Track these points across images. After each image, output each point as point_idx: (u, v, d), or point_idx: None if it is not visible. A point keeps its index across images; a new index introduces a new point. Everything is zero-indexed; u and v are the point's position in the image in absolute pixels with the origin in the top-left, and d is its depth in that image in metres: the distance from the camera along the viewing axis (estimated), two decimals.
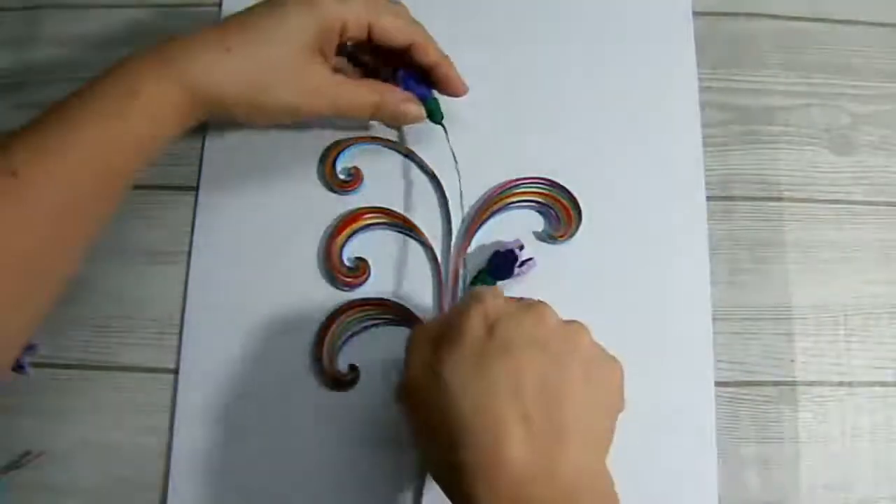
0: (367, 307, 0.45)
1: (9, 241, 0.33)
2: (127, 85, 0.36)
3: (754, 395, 0.45)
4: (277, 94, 0.40)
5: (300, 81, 0.40)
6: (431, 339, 0.34)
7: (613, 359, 0.35)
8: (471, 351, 0.32)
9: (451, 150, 0.45)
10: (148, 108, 0.36)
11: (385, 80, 0.44)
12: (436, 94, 0.45)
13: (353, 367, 0.44)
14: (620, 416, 0.35)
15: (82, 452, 0.44)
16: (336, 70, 0.42)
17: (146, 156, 0.38)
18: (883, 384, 0.45)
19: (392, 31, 0.41)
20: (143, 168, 0.38)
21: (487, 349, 0.32)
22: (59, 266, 0.36)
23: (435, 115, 0.45)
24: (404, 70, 0.44)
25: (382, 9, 0.41)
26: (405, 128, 0.48)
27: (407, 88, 0.44)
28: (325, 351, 0.44)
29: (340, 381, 0.44)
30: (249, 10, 0.40)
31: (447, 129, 0.45)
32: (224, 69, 0.38)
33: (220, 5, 0.51)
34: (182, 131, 0.39)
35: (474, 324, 0.33)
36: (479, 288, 0.36)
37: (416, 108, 0.43)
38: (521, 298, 0.36)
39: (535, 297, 0.41)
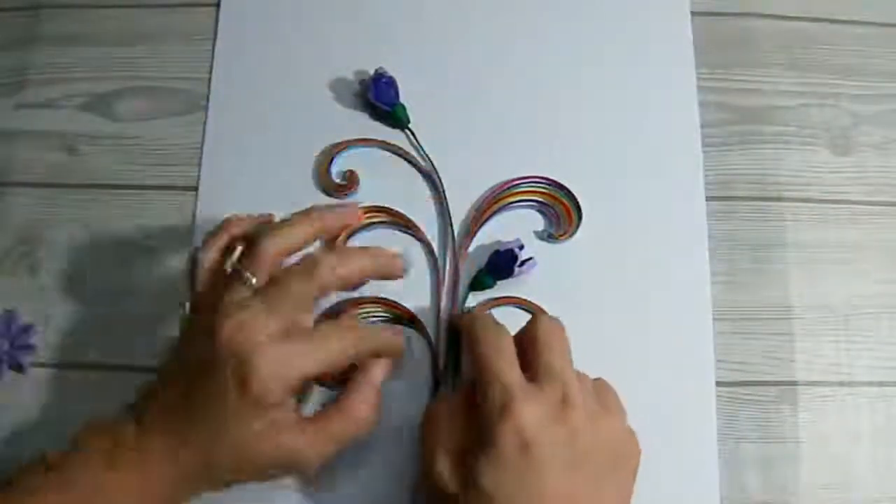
0: (365, 304, 0.45)
1: None
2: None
3: (754, 395, 0.45)
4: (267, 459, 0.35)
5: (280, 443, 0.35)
6: (455, 440, 0.35)
7: (636, 441, 0.36)
8: (509, 467, 0.32)
9: (426, 154, 0.46)
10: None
11: None
12: (402, 100, 0.47)
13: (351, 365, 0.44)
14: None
15: None
16: None
17: None
18: (883, 384, 0.45)
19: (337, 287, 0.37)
20: None
21: (526, 468, 0.32)
22: None
23: (402, 121, 0.46)
24: (376, 78, 0.46)
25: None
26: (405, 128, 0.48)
27: (378, 96, 0.46)
28: None
29: (336, 377, 0.43)
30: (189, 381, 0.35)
31: (415, 133, 0.47)
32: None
33: (217, 5, 0.50)
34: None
35: (509, 440, 0.32)
36: (507, 382, 0.34)
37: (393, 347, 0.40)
38: (542, 371, 0.35)
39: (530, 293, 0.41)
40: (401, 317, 0.45)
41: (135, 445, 0.34)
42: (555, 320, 0.38)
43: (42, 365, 0.45)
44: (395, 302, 0.45)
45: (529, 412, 0.33)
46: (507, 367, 0.35)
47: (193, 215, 0.47)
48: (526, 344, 0.36)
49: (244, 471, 0.35)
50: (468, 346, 0.37)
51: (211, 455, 0.34)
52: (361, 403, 0.37)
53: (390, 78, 0.47)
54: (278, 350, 0.34)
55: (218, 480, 0.36)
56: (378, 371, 0.38)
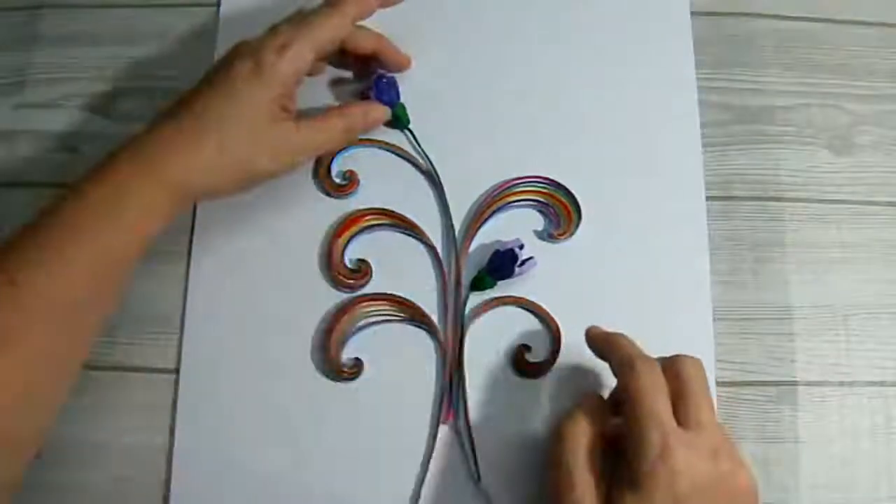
0: (376, 301, 0.45)
1: (14, 348, 0.33)
2: (114, 189, 0.37)
3: (754, 395, 0.45)
4: (256, 169, 0.41)
5: (272, 149, 0.41)
6: (595, 468, 0.36)
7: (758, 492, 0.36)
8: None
9: (426, 155, 0.46)
10: (139, 210, 0.37)
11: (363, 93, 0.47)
12: (402, 101, 0.47)
13: (357, 361, 0.44)
14: None
15: (83, 452, 0.44)
16: (298, 115, 0.43)
17: (141, 251, 0.38)
18: (883, 384, 0.45)
19: (332, 43, 0.42)
20: (139, 263, 0.38)
21: None
22: (66, 363, 0.37)
23: (402, 121, 0.47)
24: (377, 78, 0.46)
25: (316, 29, 0.41)
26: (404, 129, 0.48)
27: (378, 95, 0.46)
28: (331, 342, 0.44)
29: (344, 373, 0.44)
30: (198, 92, 0.40)
31: (415, 134, 0.47)
32: (202, 167, 0.39)
33: (218, 5, 0.51)
34: (172, 220, 0.39)
35: (662, 484, 0.33)
36: (666, 428, 0.34)
37: (380, 111, 0.45)
38: (695, 419, 0.35)
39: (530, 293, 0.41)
40: (412, 316, 0.45)
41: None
42: (699, 363, 0.37)
43: None
44: (407, 300, 0.45)
45: (685, 460, 0.33)
46: (665, 410, 0.35)
47: (193, 215, 0.47)
48: (672, 384, 0.36)
49: (253, 146, 0.40)
50: (619, 371, 0.37)
51: (223, 135, 0.39)
52: (369, 109, 0.45)
53: (391, 78, 0.47)
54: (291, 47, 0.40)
55: (230, 167, 0.39)
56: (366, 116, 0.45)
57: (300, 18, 0.42)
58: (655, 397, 0.35)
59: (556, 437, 0.37)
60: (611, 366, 0.38)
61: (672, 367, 0.36)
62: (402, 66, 0.47)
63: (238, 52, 0.41)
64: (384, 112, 0.45)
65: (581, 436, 0.36)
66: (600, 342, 0.40)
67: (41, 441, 0.36)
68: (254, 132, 0.40)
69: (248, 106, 0.39)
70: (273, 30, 0.41)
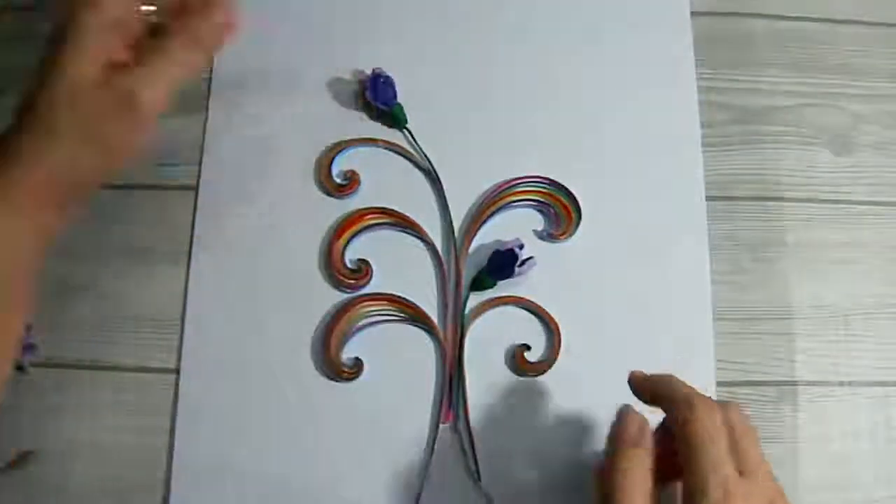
0: (376, 301, 0.45)
1: None
2: None
3: (754, 395, 0.45)
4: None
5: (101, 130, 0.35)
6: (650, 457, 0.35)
7: None
8: None
9: (425, 154, 0.46)
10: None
11: None
12: (400, 100, 0.47)
13: (357, 361, 0.44)
14: None
15: (83, 452, 0.44)
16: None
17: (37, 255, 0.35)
18: (883, 384, 0.45)
19: None
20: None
21: None
22: None
23: (399, 121, 0.47)
24: (373, 77, 0.46)
25: None
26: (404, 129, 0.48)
27: (375, 95, 0.46)
28: (331, 342, 0.44)
29: (344, 373, 0.44)
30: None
31: (413, 133, 0.47)
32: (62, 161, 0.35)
33: None
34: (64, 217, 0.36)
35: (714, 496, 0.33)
36: (726, 477, 0.33)
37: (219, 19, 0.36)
38: (752, 467, 0.34)
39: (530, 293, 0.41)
40: (412, 316, 0.45)
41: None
42: (741, 409, 0.36)
43: (42, 365, 0.45)
44: (407, 300, 0.45)
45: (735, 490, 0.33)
46: (725, 457, 0.34)
47: (193, 215, 0.47)
48: (726, 427, 0.35)
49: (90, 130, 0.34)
50: (677, 409, 0.35)
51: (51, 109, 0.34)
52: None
53: (388, 77, 0.47)
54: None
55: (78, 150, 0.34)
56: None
57: None
58: (717, 443, 0.34)
59: (610, 474, 0.35)
60: (662, 405, 0.36)
61: (724, 411, 0.35)
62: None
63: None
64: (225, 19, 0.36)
65: (638, 474, 0.34)
66: (651, 384, 0.38)
67: None
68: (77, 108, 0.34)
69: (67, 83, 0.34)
70: None
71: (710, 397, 0.35)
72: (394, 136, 0.48)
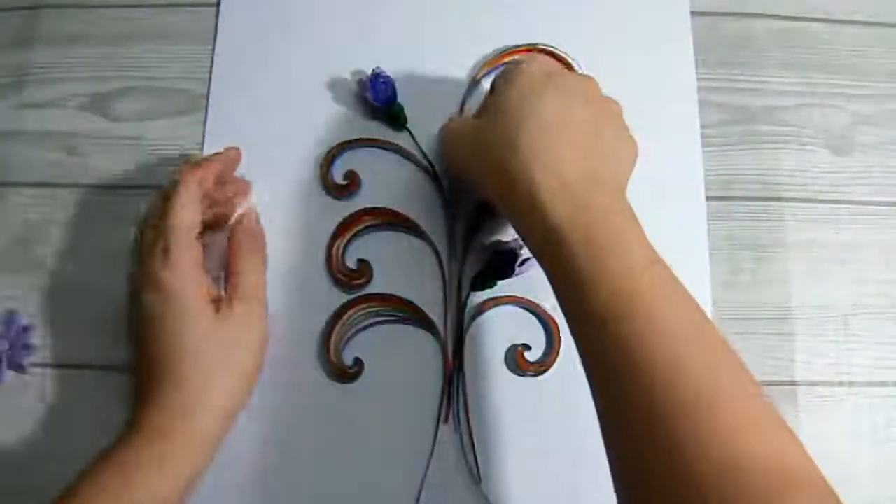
0: (374, 302, 0.45)
1: None
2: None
3: None
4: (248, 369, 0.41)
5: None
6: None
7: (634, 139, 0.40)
8: (530, 86, 0.38)
9: (425, 154, 0.46)
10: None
11: None
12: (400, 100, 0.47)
13: (358, 361, 0.44)
14: None
15: (86, 454, 0.43)
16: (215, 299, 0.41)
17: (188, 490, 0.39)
18: (883, 384, 0.45)
19: (197, 214, 0.41)
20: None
21: (544, 87, 0.38)
22: None
23: (399, 121, 0.47)
24: (374, 78, 0.46)
25: (178, 215, 0.40)
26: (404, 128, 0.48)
27: (375, 95, 0.46)
28: (332, 342, 0.44)
29: (345, 373, 0.44)
30: (152, 348, 0.39)
31: (414, 133, 0.47)
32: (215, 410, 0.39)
33: (217, 5, 0.50)
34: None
35: (534, 69, 0.39)
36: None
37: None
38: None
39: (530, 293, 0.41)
40: (413, 316, 0.45)
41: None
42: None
43: (42, 365, 0.45)
44: (408, 300, 0.45)
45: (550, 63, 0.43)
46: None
47: None
48: None
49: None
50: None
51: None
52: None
53: (388, 77, 0.47)
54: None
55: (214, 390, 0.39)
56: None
57: (158, 213, 0.41)
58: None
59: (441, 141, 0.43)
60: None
61: None
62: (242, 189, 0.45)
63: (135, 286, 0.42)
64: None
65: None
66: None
67: None
68: (209, 340, 0.39)
69: (190, 325, 0.39)
70: (143, 235, 0.42)
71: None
72: (394, 136, 0.48)
